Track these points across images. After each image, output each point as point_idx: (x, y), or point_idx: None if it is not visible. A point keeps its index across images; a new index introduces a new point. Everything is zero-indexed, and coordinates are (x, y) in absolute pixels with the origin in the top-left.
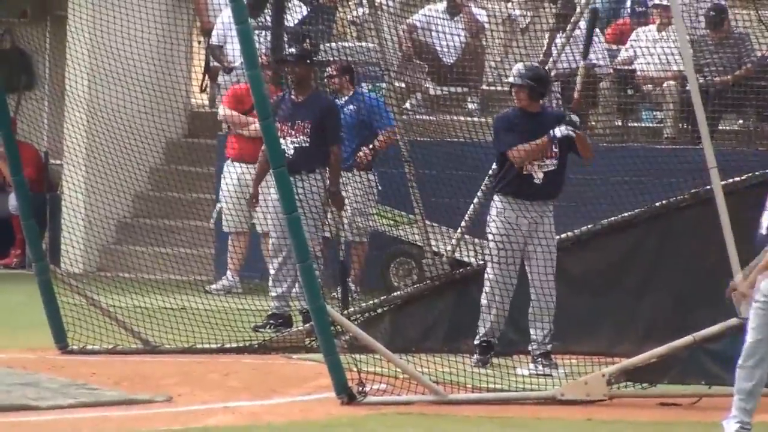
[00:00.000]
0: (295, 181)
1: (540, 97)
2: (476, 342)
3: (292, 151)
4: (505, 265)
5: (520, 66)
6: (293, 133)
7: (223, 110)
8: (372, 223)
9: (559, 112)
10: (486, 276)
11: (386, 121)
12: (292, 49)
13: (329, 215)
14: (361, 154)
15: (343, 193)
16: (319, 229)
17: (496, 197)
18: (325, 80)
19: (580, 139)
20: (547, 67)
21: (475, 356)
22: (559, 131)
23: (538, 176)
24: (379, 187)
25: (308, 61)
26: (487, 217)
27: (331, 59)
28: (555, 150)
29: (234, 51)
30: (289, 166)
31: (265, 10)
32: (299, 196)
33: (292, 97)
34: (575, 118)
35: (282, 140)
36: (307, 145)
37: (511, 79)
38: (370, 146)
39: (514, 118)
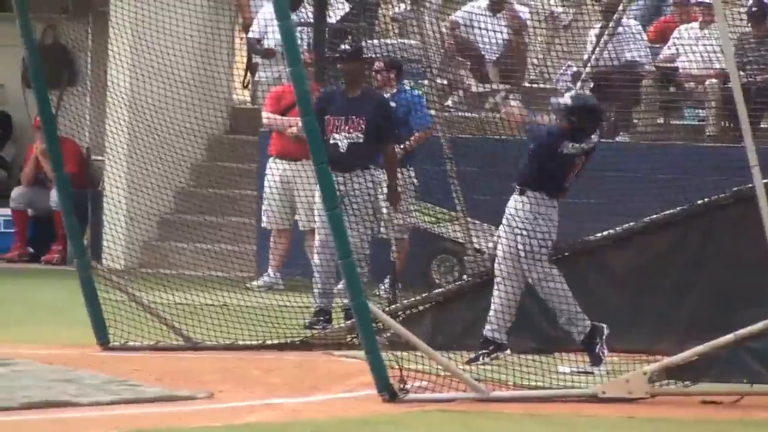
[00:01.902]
0: (348, 178)
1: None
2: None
3: (345, 147)
4: (547, 261)
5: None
6: (346, 128)
7: (266, 117)
8: (412, 219)
9: None
10: (546, 274)
11: (423, 120)
12: (345, 46)
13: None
14: None
15: (359, 189)
16: (368, 228)
17: (531, 193)
18: (372, 74)
19: None
20: (589, 66)
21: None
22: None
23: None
24: (416, 182)
25: (361, 57)
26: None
27: (374, 56)
28: None
29: (272, 45)
30: (343, 162)
31: (306, 6)
32: (354, 192)
33: (347, 92)
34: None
35: (336, 134)
36: (361, 141)
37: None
38: (402, 145)
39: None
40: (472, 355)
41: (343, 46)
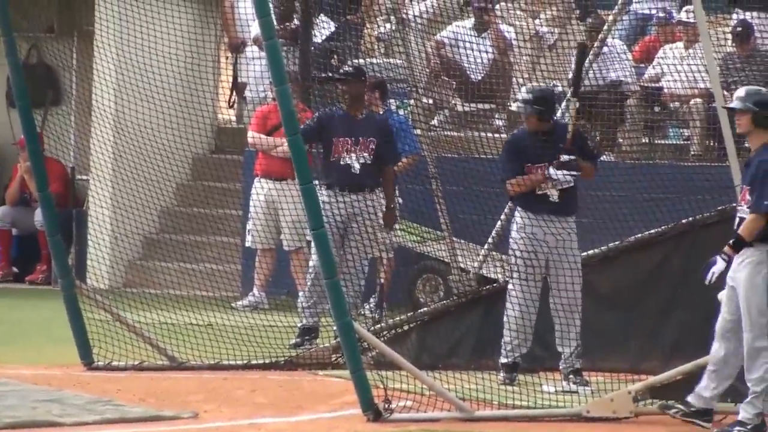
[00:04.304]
0: (358, 198)
1: (550, 116)
2: (502, 361)
3: (358, 168)
4: (527, 281)
5: (524, 91)
6: (357, 149)
7: (251, 136)
8: (396, 238)
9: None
10: (509, 293)
11: (411, 147)
12: (347, 67)
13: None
14: None
15: (367, 209)
16: (375, 247)
17: (517, 212)
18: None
19: (582, 169)
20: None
21: (501, 375)
22: (555, 174)
23: (554, 196)
24: (400, 201)
25: (363, 78)
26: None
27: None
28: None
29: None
30: (355, 183)
31: (293, 22)
32: (363, 212)
33: (351, 113)
34: (566, 158)
35: (345, 155)
36: (371, 162)
37: (517, 106)
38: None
39: (523, 141)
40: (501, 377)
41: (345, 67)
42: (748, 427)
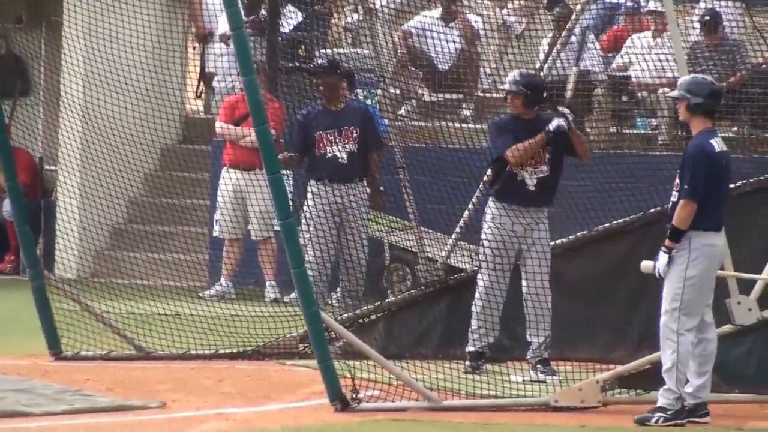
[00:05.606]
0: (347, 189)
1: (535, 104)
2: (468, 349)
3: (345, 158)
4: (495, 271)
5: (515, 73)
6: (342, 140)
7: (219, 126)
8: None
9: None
10: (478, 281)
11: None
12: (322, 60)
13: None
14: None
15: (360, 199)
16: (365, 235)
17: (490, 202)
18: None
19: (574, 134)
20: (541, 74)
21: (467, 362)
22: (553, 125)
23: (532, 181)
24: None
25: (337, 70)
26: (481, 222)
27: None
28: (548, 156)
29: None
30: (345, 173)
31: (260, 13)
32: (354, 203)
33: (330, 107)
34: (566, 111)
35: (330, 148)
36: (356, 151)
37: (506, 86)
38: None
39: (507, 124)
40: (467, 364)
41: (318, 61)
42: (669, 412)
